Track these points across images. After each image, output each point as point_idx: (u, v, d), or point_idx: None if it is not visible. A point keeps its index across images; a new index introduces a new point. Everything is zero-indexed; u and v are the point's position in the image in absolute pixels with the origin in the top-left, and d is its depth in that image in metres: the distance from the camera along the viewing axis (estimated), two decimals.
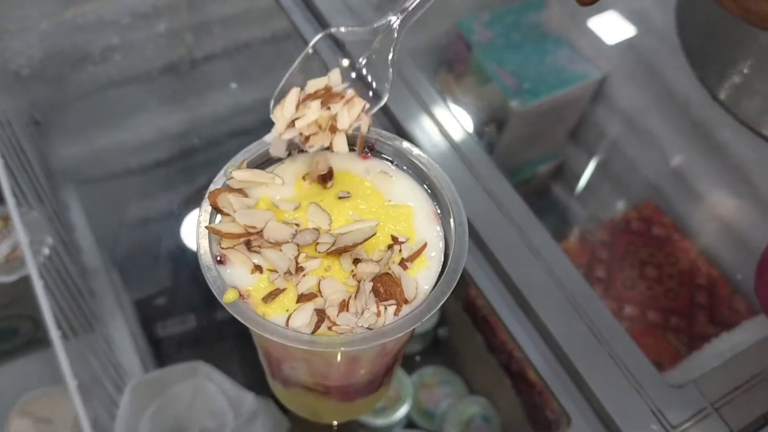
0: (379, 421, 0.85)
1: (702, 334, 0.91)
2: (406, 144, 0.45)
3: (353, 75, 0.46)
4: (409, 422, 0.88)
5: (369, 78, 0.46)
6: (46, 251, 0.76)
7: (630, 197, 1.08)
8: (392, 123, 0.75)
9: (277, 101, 0.45)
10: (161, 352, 0.94)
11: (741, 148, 0.93)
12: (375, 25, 0.45)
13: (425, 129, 0.73)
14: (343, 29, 0.47)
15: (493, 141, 1.07)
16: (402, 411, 0.86)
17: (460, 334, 0.93)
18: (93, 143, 1.02)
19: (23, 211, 0.78)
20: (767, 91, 0.73)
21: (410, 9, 0.44)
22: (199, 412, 0.73)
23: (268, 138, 0.45)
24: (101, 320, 0.87)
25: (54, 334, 0.60)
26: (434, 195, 0.45)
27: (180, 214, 1.00)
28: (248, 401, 0.72)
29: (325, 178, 0.44)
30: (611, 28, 1.08)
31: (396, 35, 0.44)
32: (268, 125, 0.47)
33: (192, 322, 0.98)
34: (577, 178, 1.12)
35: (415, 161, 0.45)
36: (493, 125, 1.06)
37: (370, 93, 0.46)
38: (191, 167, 1.04)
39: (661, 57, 1.02)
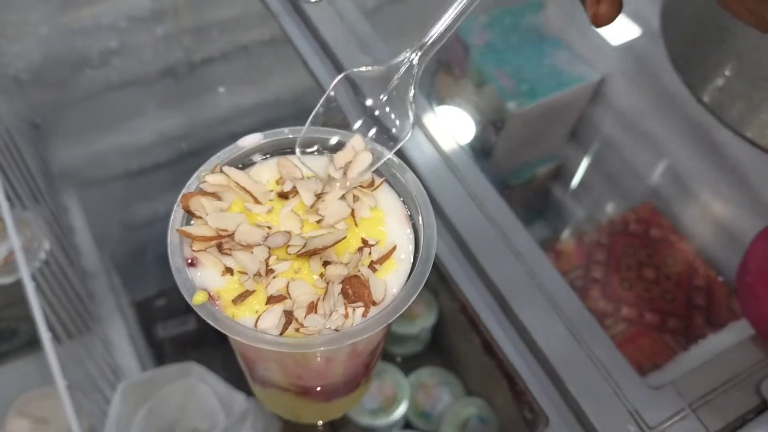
0: (377, 422, 0.86)
1: (699, 336, 0.91)
2: (378, 146, 0.46)
3: (376, 113, 0.46)
4: (406, 423, 0.89)
5: (390, 116, 0.46)
6: (43, 255, 0.77)
7: (628, 199, 1.08)
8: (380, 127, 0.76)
9: (301, 146, 0.45)
10: (159, 354, 0.95)
11: (738, 150, 0.93)
12: (392, 63, 0.44)
13: (413, 136, 0.73)
14: (362, 69, 0.46)
15: (491, 143, 1.07)
16: (399, 412, 0.86)
17: (457, 335, 0.94)
18: (92, 146, 1.03)
19: (18, 213, 0.78)
20: (749, 94, 0.73)
21: (429, 44, 0.44)
22: (190, 413, 0.74)
23: (241, 142, 0.45)
24: (99, 322, 0.88)
25: (45, 335, 0.61)
26: (405, 198, 0.45)
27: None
28: (239, 401, 0.73)
29: (286, 195, 0.44)
30: (609, 30, 1.08)
31: (415, 72, 0.44)
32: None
33: (191, 324, 0.99)
34: (576, 179, 1.12)
35: (387, 165, 0.46)
36: (491, 127, 1.06)
37: (393, 130, 0.46)
38: (189, 170, 1.05)
39: (659, 59, 1.01)
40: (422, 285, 0.40)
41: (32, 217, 0.83)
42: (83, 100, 1.02)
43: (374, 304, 0.40)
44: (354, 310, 0.39)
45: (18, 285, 0.90)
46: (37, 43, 0.95)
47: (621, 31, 1.07)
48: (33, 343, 0.94)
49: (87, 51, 0.99)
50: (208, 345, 0.93)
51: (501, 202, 0.67)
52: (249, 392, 0.74)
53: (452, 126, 0.76)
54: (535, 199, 1.16)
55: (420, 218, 0.43)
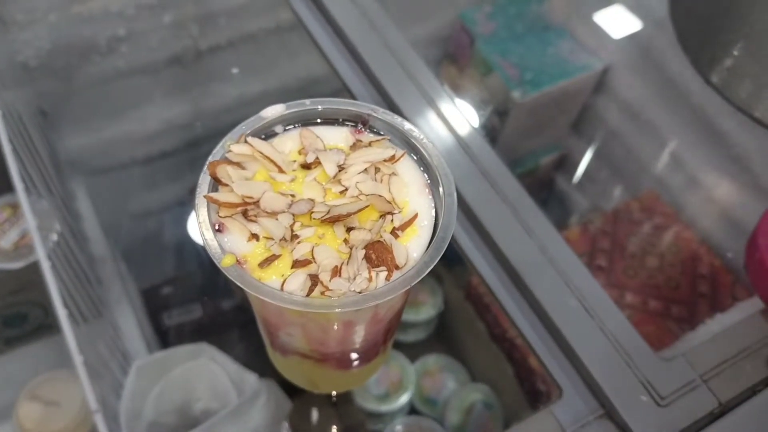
0: (383, 408, 0.86)
1: (703, 323, 0.92)
2: (397, 118, 0.47)
3: None
4: (411, 409, 0.89)
5: None
6: (55, 237, 0.78)
7: (632, 187, 1.08)
8: (394, 111, 0.76)
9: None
10: (167, 341, 0.96)
11: (742, 137, 0.94)
12: None
13: (427, 117, 0.74)
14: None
15: (495, 132, 1.08)
16: (405, 398, 0.87)
17: (462, 322, 0.94)
18: (100, 134, 1.03)
19: (32, 200, 0.79)
20: (757, 74, 0.74)
21: None
22: (202, 392, 0.74)
23: (264, 113, 0.46)
24: (108, 307, 0.89)
25: (61, 312, 0.61)
26: (425, 167, 0.46)
27: (186, 205, 1.02)
28: (251, 381, 0.73)
29: (309, 166, 0.45)
30: (613, 19, 1.09)
31: None
32: None
33: (197, 312, 0.99)
34: (580, 168, 1.13)
35: (407, 135, 0.46)
36: (495, 116, 1.07)
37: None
38: (196, 158, 1.05)
39: (663, 47, 1.02)
40: (443, 250, 0.41)
41: (44, 203, 0.83)
42: (91, 87, 1.03)
43: (397, 268, 0.41)
44: (377, 274, 0.40)
45: (28, 270, 0.91)
46: (46, 31, 0.96)
47: (624, 20, 1.08)
48: (43, 329, 0.95)
49: (95, 38, 0.99)
50: (214, 334, 0.94)
51: (512, 179, 0.68)
52: (260, 373, 0.75)
53: (454, 111, 0.76)
54: (539, 188, 1.17)
55: (441, 187, 0.44)
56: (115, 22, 0.99)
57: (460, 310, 0.94)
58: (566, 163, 1.15)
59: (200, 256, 0.98)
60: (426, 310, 0.93)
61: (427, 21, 1.13)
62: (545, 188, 1.17)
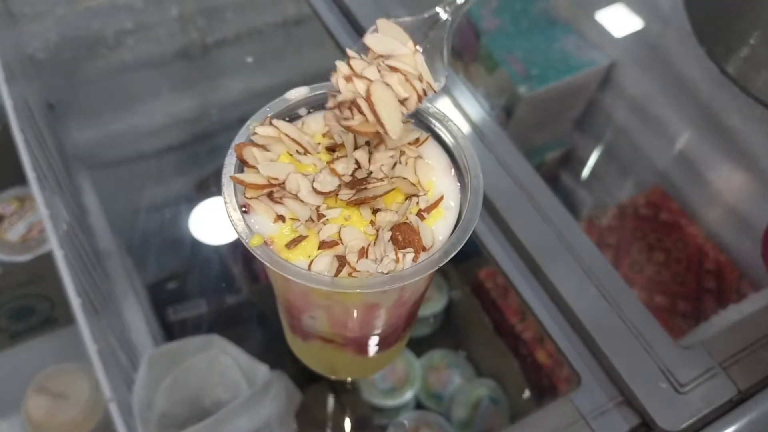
0: (389, 402, 0.86)
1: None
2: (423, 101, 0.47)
3: None
4: (417, 404, 0.89)
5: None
6: (64, 226, 0.78)
7: (638, 182, 1.08)
8: None
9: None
10: (172, 335, 0.95)
11: (749, 133, 0.94)
12: (424, 16, 0.45)
13: (442, 106, 0.74)
14: (397, 20, 0.45)
15: (502, 127, 1.08)
16: (410, 393, 0.87)
17: (468, 317, 0.94)
18: (106, 127, 1.03)
19: (49, 195, 0.79)
20: None
21: (460, 2, 0.44)
22: (213, 384, 0.74)
23: (288, 95, 0.46)
24: (115, 301, 0.89)
25: (75, 301, 0.61)
26: (451, 150, 0.46)
27: (192, 199, 1.01)
28: (262, 372, 0.73)
29: (334, 149, 0.45)
30: (619, 14, 1.09)
31: (448, 28, 0.44)
32: None
33: (203, 307, 0.99)
34: (586, 163, 1.13)
35: (431, 118, 0.46)
36: (502, 111, 1.07)
37: None
38: (203, 152, 1.05)
39: (669, 43, 1.03)
40: (471, 231, 0.41)
41: (52, 196, 0.83)
42: (98, 80, 1.02)
43: (424, 249, 0.41)
44: (404, 255, 0.40)
45: (35, 263, 0.90)
46: (54, 23, 0.96)
47: (630, 15, 1.08)
48: (49, 322, 0.94)
49: (103, 31, 0.99)
50: (219, 329, 0.93)
51: (528, 167, 0.68)
52: (271, 364, 0.74)
53: (470, 100, 0.77)
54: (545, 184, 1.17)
55: (467, 169, 0.44)
56: (123, 15, 0.99)
57: (466, 306, 0.94)
58: (572, 159, 1.15)
59: (206, 250, 0.97)
60: (432, 306, 0.92)
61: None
62: (551, 183, 1.16)
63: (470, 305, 0.94)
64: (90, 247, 0.87)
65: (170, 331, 0.94)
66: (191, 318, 0.95)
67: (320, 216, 0.41)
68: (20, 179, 0.74)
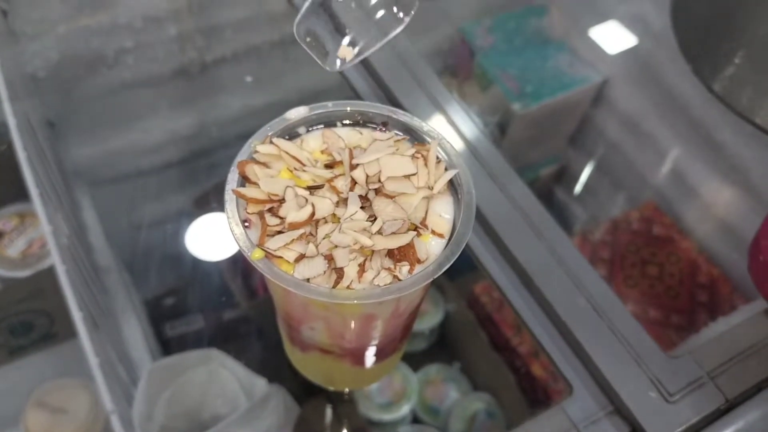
0: (386, 417, 0.86)
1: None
2: (416, 120, 0.48)
3: None
4: (414, 418, 0.90)
5: None
6: (65, 240, 0.79)
7: (631, 198, 1.10)
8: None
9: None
10: (171, 351, 0.96)
11: (740, 147, 0.95)
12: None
13: (436, 122, 0.76)
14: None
15: (496, 143, 1.09)
16: (407, 407, 0.87)
17: (464, 332, 0.95)
18: (105, 145, 1.03)
19: (52, 213, 0.80)
20: (758, 81, 0.76)
21: None
22: (212, 397, 0.75)
23: (288, 114, 0.47)
24: (113, 316, 0.89)
25: (77, 315, 0.62)
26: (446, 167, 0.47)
27: (190, 215, 1.02)
28: (260, 386, 0.74)
29: (332, 166, 0.46)
30: (611, 32, 1.10)
31: None
32: None
33: (201, 322, 1.00)
34: (579, 179, 1.14)
35: (425, 136, 0.48)
36: (496, 128, 1.08)
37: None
38: (201, 169, 1.06)
39: (660, 60, 1.04)
40: (464, 244, 0.42)
41: (53, 212, 0.84)
42: (97, 98, 1.03)
43: (419, 262, 0.42)
44: (400, 268, 0.41)
45: (35, 279, 0.91)
46: (55, 42, 0.97)
47: (622, 33, 1.10)
48: (48, 338, 0.95)
49: (103, 50, 1.00)
50: (217, 344, 0.94)
51: (520, 183, 0.69)
52: (269, 378, 0.75)
53: (462, 116, 0.78)
54: (539, 199, 1.18)
55: (460, 185, 0.45)
56: (123, 35, 1.00)
57: (462, 320, 0.95)
58: (566, 175, 1.16)
59: (204, 266, 0.98)
60: (428, 321, 0.93)
61: (428, 34, 1.15)
62: (545, 199, 1.18)
63: (466, 319, 0.95)
64: (89, 262, 0.88)
65: (168, 346, 0.94)
66: (189, 333, 0.96)
67: (318, 230, 0.42)
68: (21, 195, 0.75)
